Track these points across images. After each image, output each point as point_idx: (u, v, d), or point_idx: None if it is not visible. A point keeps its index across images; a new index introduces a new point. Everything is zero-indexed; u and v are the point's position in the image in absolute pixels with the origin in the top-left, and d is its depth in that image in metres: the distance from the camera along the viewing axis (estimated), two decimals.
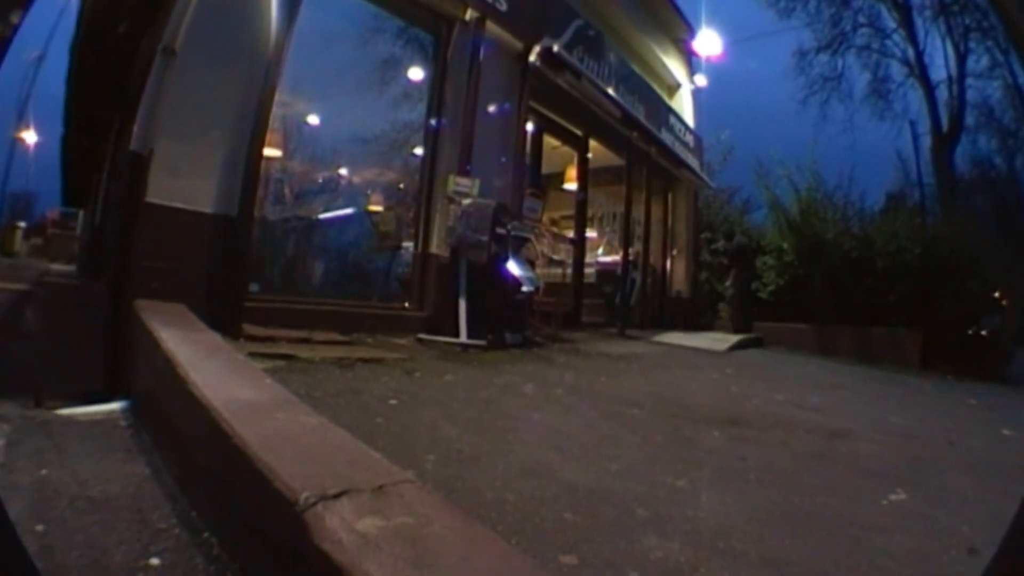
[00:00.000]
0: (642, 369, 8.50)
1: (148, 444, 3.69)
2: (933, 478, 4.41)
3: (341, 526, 1.84)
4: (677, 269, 17.95)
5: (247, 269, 7.01)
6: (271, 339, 6.31)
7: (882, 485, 3.99)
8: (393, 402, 4.77)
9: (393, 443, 3.66)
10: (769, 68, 41.44)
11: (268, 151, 7.59)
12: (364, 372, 5.72)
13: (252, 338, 6.20)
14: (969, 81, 29.77)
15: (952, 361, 11.97)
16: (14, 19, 1.52)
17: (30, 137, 39.74)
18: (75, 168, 22.95)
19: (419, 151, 9.75)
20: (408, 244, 9.53)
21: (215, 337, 4.84)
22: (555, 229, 14.57)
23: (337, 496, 2.00)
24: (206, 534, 2.54)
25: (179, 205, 6.23)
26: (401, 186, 10.20)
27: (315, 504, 1.93)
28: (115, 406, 4.45)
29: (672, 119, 16.92)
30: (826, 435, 5.43)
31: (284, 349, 5.97)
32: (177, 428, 3.29)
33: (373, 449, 2.62)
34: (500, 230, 8.67)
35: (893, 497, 3.78)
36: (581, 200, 14.39)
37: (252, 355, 5.15)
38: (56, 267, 28.32)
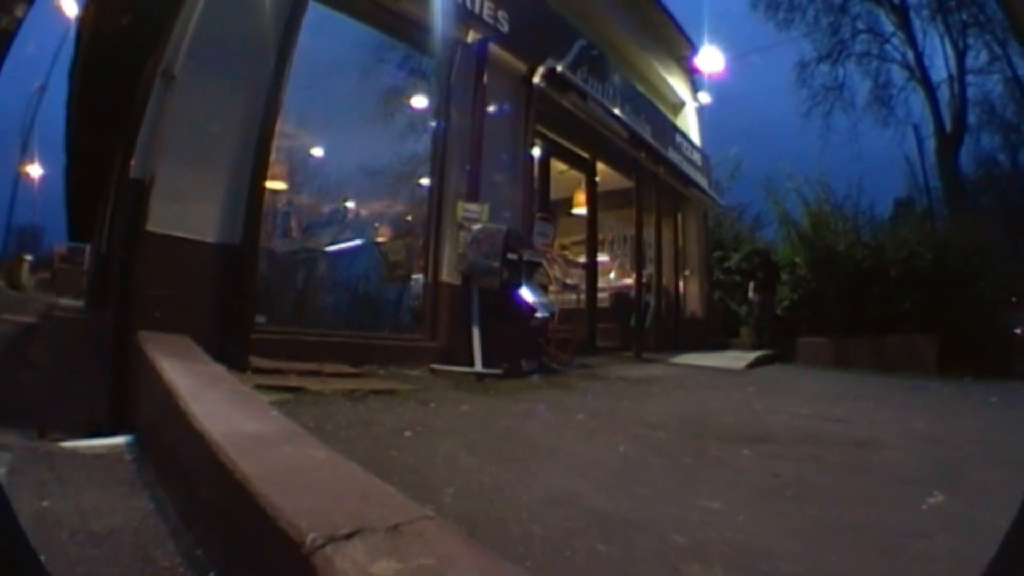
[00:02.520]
0: (663, 391, 8.34)
1: (152, 478, 3.56)
2: (966, 478, 4.35)
3: (353, 570, 1.68)
4: (690, 290, 17.86)
5: (253, 299, 6.89)
6: (279, 371, 6.17)
7: (917, 490, 3.88)
8: (408, 434, 4.60)
9: (409, 477, 3.49)
10: (771, 82, 41.35)
11: (274, 184, 7.72)
12: (376, 404, 5.57)
13: (259, 371, 6.07)
14: (969, 78, 29.72)
15: (969, 363, 11.80)
16: (19, 12, 1.57)
17: (35, 170, 39.65)
18: (80, 199, 22.75)
19: (426, 179, 9.68)
20: (418, 275, 9.39)
21: (219, 368, 4.75)
22: (567, 254, 14.45)
23: (348, 536, 1.83)
24: (211, 574, 2.40)
25: (181, 234, 6.19)
26: (409, 218, 10.08)
27: (324, 546, 1.77)
28: (120, 440, 4.34)
29: (679, 138, 16.88)
30: (855, 446, 5.31)
31: (293, 382, 5.83)
32: (180, 462, 3.19)
33: (388, 484, 2.45)
34: (512, 255, 8.54)
35: (931, 501, 3.68)
36: (591, 222, 14.24)
37: (259, 387, 5.10)
38: (64, 301, 28.12)
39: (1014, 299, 15.55)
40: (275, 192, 8.09)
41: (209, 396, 3.58)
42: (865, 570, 2.70)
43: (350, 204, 10.07)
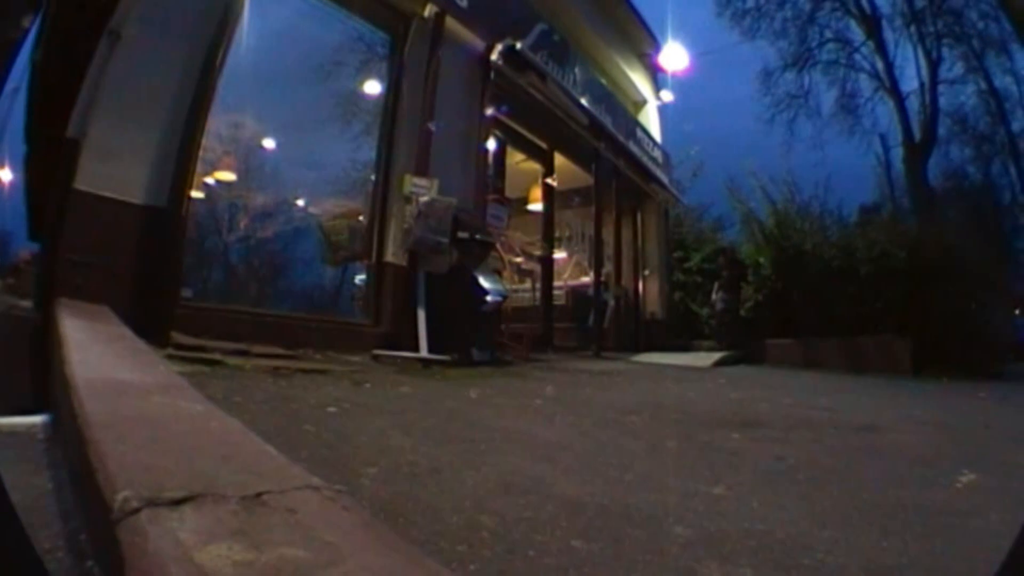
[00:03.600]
0: (628, 382, 7.73)
1: (60, 458, 3.07)
2: (991, 456, 4.12)
3: (171, 551, 1.08)
4: (650, 290, 17.28)
5: (178, 268, 6.42)
6: (202, 348, 5.52)
7: (944, 469, 3.61)
8: (332, 410, 3.95)
9: (321, 452, 2.88)
10: (735, 92, 41.26)
11: (223, 175, 7.61)
12: (303, 381, 4.94)
13: (181, 347, 5.45)
14: (941, 88, 29.65)
15: (945, 364, 11.38)
16: (25, 23, 1.60)
17: (4, 175, 38.37)
18: (39, 192, 21.56)
19: (373, 153, 8.92)
20: (362, 256, 8.65)
21: (125, 330, 4.40)
22: (523, 237, 13.77)
23: (178, 502, 1.25)
24: (90, 562, 1.84)
25: (108, 193, 5.77)
26: (360, 217, 9.29)
27: (137, 511, 1.21)
28: (37, 418, 3.83)
29: (640, 132, 16.33)
30: (855, 430, 5.01)
31: (214, 356, 5.25)
32: (63, 427, 2.76)
33: (292, 458, 1.86)
34: (462, 234, 7.85)
35: (963, 479, 3.39)
36: (547, 216, 13.64)
37: (171, 358, 4.77)
38: (25, 303, 27.41)
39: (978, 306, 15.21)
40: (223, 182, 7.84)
41: (96, 349, 3.32)
42: (927, 555, 2.26)
43: (293, 181, 9.30)
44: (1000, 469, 3.64)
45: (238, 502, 1.30)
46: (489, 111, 10.58)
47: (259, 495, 1.36)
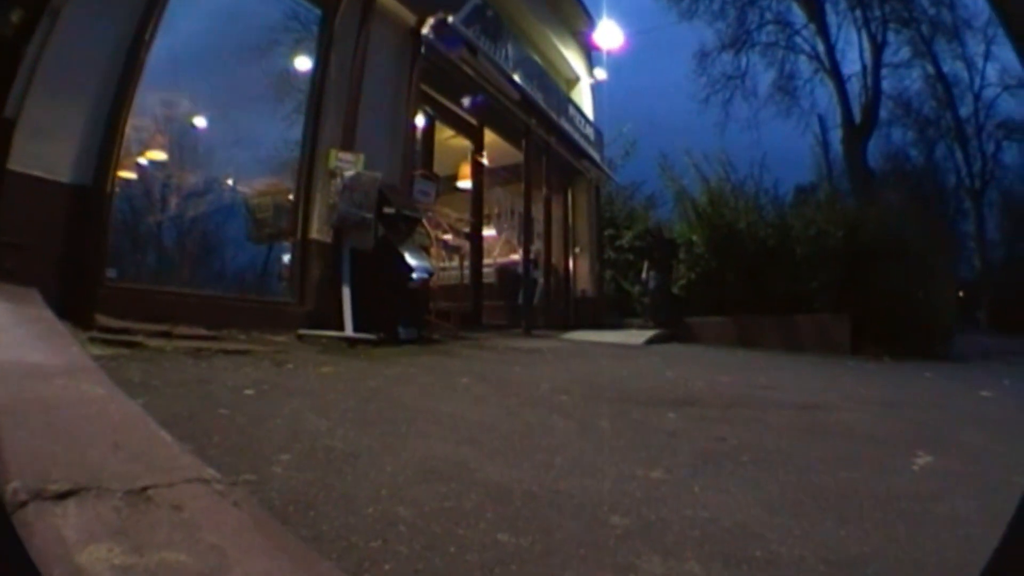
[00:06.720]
0: (559, 360, 7.57)
1: None
2: (947, 438, 4.02)
3: (54, 547, 1.10)
4: (581, 268, 17.31)
5: (103, 249, 6.19)
6: (126, 331, 5.37)
7: (898, 451, 3.50)
8: (249, 392, 3.77)
9: (233, 438, 2.71)
10: (670, 71, 41.40)
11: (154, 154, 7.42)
12: (223, 363, 4.78)
13: (105, 329, 5.28)
14: (885, 72, 30.12)
15: (885, 344, 11.43)
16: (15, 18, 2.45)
17: None
18: None
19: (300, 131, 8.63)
20: (287, 234, 8.38)
21: (47, 313, 4.38)
22: (452, 213, 13.55)
23: (62, 496, 1.25)
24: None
25: (37, 173, 5.66)
26: (288, 196, 9.00)
27: (25, 504, 1.22)
28: None
29: (572, 110, 16.16)
30: (799, 409, 4.86)
31: (136, 339, 5.14)
32: None
33: (202, 445, 2.11)
34: (388, 209, 7.70)
35: (920, 461, 3.30)
36: (476, 192, 13.48)
37: (94, 340, 4.73)
38: None
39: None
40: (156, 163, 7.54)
41: (15, 331, 3.33)
42: (891, 544, 2.13)
43: (224, 160, 8.97)
44: (959, 452, 3.55)
45: (123, 497, 1.29)
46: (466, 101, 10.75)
47: (145, 489, 1.33)
